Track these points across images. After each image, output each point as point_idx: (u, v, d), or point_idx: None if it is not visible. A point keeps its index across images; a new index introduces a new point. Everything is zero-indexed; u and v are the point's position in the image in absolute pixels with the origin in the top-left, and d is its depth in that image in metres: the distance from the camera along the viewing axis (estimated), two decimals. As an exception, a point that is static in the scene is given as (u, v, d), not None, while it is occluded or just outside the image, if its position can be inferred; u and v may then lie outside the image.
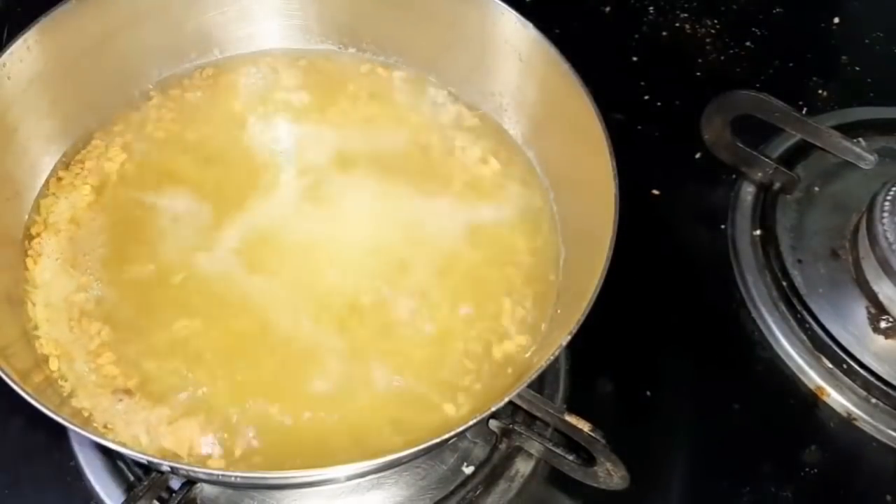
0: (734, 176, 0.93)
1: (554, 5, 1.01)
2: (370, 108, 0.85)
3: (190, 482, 0.66)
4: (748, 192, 0.91)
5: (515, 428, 0.70)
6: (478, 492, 0.73)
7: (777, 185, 0.90)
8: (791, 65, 1.03)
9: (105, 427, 0.67)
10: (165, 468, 0.62)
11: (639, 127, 0.97)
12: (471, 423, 0.60)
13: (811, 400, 0.81)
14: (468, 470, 0.74)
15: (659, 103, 0.99)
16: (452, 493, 0.73)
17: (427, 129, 0.83)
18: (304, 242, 0.76)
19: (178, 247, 0.76)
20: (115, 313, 0.72)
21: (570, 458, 0.69)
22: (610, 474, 0.67)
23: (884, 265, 0.79)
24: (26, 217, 0.76)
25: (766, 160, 0.90)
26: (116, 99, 0.83)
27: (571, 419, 0.64)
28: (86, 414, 0.68)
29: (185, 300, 0.73)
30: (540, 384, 0.77)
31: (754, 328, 0.84)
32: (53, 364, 0.69)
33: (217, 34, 0.85)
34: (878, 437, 0.79)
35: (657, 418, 0.80)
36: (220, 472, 0.63)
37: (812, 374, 0.81)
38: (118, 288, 0.73)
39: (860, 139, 0.90)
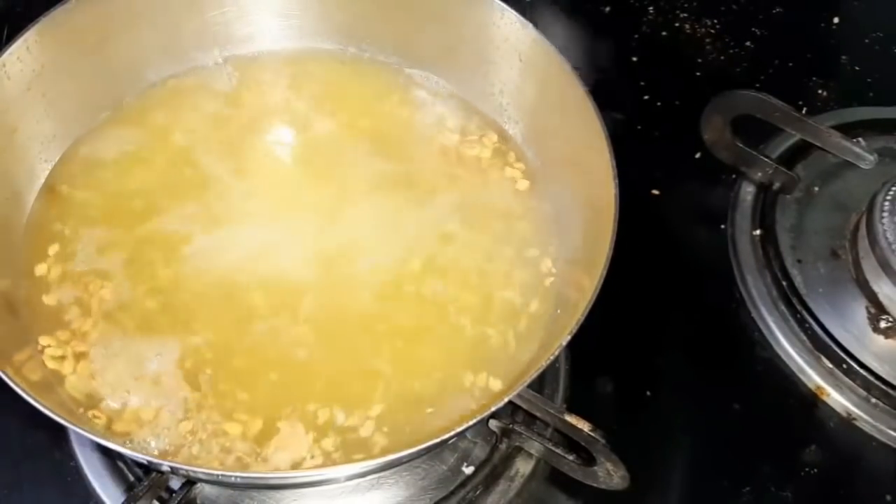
0: (734, 176, 0.93)
1: (554, 5, 1.01)
2: (369, 107, 0.84)
3: (190, 482, 0.66)
4: (748, 191, 0.91)
5: (515, 428, 0.70)
6: (478, 492, 0.73)
7: (777, 185, 0.90)
8: (791, 65, 1.03)
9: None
10: (165, 468, 0.62)
11: (639, 127, 0.97)
12: (471, 422, 0.60)
13: (811, 400, 0.81)
14: (468, 470, 0.74)
15: (659, 103, 0.99)
16: (452, 493, 0.72)
17: (426, 129, 0.83)
18: (301, 242, 0.76)
19: (181, 243, 0.76)
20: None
21: (570, 458, 0.69)
22: (610, 474, 0.66)
23: (884, 265, 0.79)
24: (25, 218, 0.76)
25: (766, 160, 0.90)
26: (116, 99, 0.83)
27: (571, 419, 0.64)
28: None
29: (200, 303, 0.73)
30: (540, 384, 0.77)
31: (754, 328, 0.84)
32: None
33: (217, 34, 0.85)
34: (878, 437, 0.79)
35: (657, 418, 0.80)
36: (220, 472, 0.63)
37: (812, 374, 0.81)
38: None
39: (860, 139, 0.90)
